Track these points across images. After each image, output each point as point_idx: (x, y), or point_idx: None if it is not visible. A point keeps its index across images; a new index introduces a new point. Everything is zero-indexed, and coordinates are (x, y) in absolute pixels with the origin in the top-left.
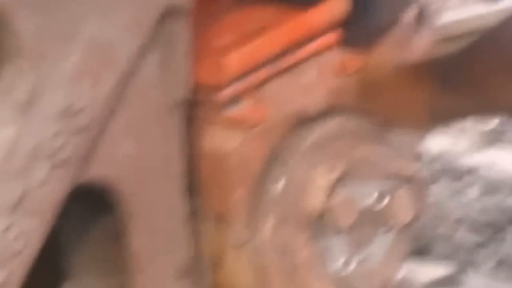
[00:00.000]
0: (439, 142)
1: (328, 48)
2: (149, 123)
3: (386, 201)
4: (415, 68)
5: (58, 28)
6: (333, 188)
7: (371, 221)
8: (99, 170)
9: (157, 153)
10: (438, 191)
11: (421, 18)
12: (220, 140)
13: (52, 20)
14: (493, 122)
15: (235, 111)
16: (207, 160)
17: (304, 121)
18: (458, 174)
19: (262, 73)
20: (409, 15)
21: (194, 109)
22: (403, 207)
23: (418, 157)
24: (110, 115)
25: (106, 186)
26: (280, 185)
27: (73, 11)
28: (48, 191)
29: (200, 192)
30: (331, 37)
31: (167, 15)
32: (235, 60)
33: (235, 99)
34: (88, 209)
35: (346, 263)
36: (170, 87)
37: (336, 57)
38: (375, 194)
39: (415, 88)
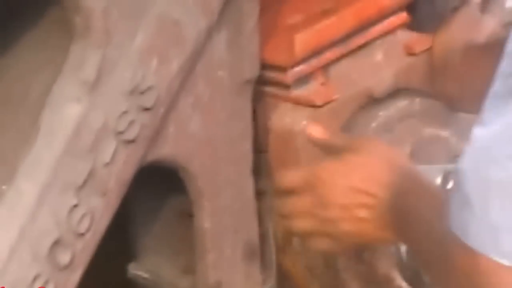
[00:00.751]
0: None
1: (396, 28)
2: (217, 102)
3: (451, 182)
4: (482, 49)
5: (126, 6)
6: None
7: None
8: (166, 149)
9: (225, 132)
10: None
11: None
12: (288, 119)
13: None
14: None
15: (304, 90)
16: (275, 140)
17: (371, 101)
18: None
19: (330, 53)
20: None
21: (263, 89)
22: None
23: None
24: (178, 94)
25: (174, 165)
26: None
27: None
28: (116, 170)
29: (268, 172)
30: (399, 18)
31: None
32: (304, 40)
33: (303, 79)
34: (157, 189)
35: None
36: (238, 66)
37: (404, 37)
38: (441, 175)
39: (483, 69)
